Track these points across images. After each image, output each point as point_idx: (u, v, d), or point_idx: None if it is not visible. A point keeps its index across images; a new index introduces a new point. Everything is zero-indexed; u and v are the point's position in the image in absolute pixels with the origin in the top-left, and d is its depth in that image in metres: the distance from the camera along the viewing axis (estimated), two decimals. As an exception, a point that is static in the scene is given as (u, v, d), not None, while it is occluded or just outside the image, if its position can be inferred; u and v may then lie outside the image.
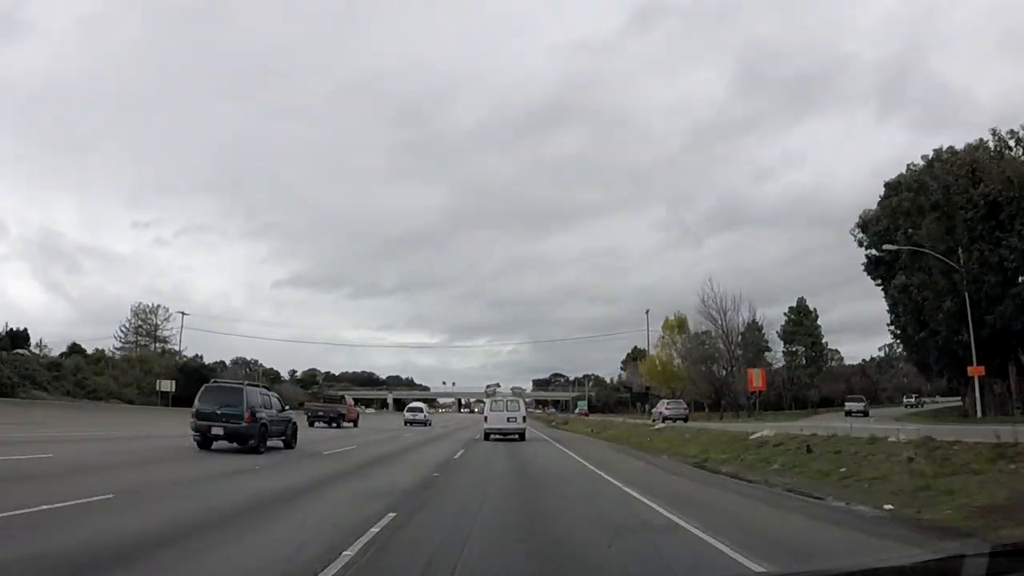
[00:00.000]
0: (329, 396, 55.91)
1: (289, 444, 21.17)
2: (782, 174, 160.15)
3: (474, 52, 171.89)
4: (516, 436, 30.83)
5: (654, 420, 48.92)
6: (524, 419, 32.23)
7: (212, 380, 24.38)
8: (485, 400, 38.03)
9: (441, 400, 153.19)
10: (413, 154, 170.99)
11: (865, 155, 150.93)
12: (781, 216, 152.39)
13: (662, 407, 51.44)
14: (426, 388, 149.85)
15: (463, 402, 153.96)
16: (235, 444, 18.80)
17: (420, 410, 57.34)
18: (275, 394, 23.08)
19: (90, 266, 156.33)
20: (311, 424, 41.21)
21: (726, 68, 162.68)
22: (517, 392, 38.73)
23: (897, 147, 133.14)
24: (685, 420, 46.57)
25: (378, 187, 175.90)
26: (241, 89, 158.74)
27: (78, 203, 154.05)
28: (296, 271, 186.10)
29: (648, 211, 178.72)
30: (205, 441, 18.76)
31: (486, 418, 32.15)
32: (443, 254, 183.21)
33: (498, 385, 43.07)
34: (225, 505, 9.55)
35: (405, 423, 52.42)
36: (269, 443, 19.74)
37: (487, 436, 30.87)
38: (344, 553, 6.50)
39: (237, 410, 18.56)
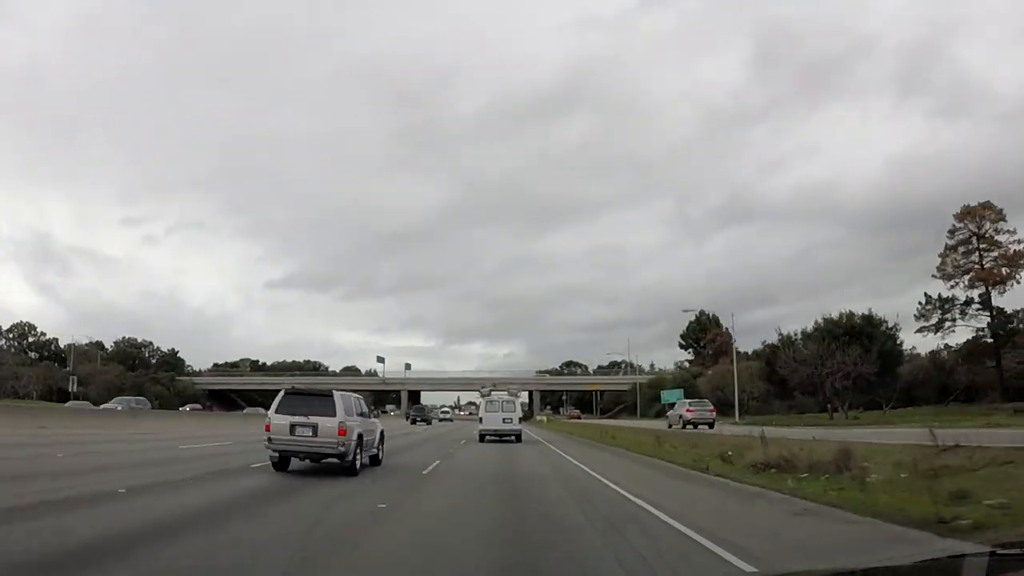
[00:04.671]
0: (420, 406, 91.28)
1: (430, 422, 74.42)
2: (794, 166, 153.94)
3: (476, 33, 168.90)
4: (512, 438, 31.85)
5: (671, 425, 44.02)
6: (520, 420, 34.20)
7: (414, 405, 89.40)
8: (480, 401, 38.40)
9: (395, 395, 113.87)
10: (411, 145, 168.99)
11: (881, 146, 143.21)
12: (790, 211, 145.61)
13: (682, 409, 46.35)
14: (373, 374, 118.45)
15: (418, 400, 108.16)
16: (424, 423, 69.87)
17: (448, 411, 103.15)
18: (429, 406, 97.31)
19: (79, 263, 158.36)
20: (413, 423, 69.81)
21: (741, 52, 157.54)
22: (513, 393, 37.43)
23: (914, 138, 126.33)
24: (710, 425, 41.57)
25: (375, 181, 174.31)
26: (235, 80, 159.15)
27: (67, 200, 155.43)
28: (290, 270, 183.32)
29: (653, 206, 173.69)
30: (414, 423, 68.00)
31: (481, 419, 33.45)
32: (440, 252, 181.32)
33: (494, 386, 41.07)
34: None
35: (439, 420, 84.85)
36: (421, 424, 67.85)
37: (482, 438, 31.91)
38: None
39: (423, 412, 79.19)
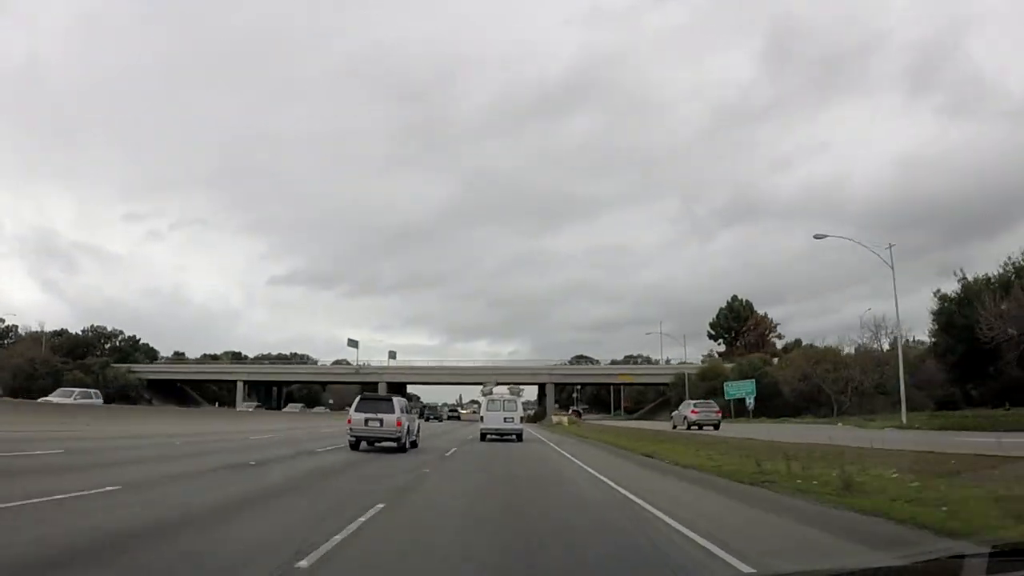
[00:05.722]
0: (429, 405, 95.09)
1: (441, 420, 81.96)
2: (801, 164, 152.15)
3: (478, 31, 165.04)
4: (513, 437, 31.47)
5: (675, 426, 43.35)
6: (521, 419, 33.88)
7: (427, 405, 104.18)
8: (481, 399, 37.37)
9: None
10: (412, 144, 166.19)
11: (888, 144, 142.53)
12: (797, 209, 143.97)
13: (687, 410, 45.51)
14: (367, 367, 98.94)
15: (404, 394, 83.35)
16: (437, 420, 76.33)
17: (455, 410, 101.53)
18: (439, 404, 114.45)
19: (82, 259, 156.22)
20: (427, 420, 68.03)
21: (749, 48, 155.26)
22: (515, 392, 36.88)
23: (922, 136, 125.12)
24: (716, 427, 40.87)
25: (376, 180, 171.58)
26: (235, 80, 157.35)
27: (69, 198, 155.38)
28: (293, 267, 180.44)
29: (658, 204, 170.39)
30: (428, 420, 54.30)
31: (482, 418, 33.11)
32: (443, 250, 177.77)
33: (496, 383, 40.69)
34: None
35: (447, 418, 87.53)
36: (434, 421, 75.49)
37: (483, 436, 31.57)
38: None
39: (435, 411, 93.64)
